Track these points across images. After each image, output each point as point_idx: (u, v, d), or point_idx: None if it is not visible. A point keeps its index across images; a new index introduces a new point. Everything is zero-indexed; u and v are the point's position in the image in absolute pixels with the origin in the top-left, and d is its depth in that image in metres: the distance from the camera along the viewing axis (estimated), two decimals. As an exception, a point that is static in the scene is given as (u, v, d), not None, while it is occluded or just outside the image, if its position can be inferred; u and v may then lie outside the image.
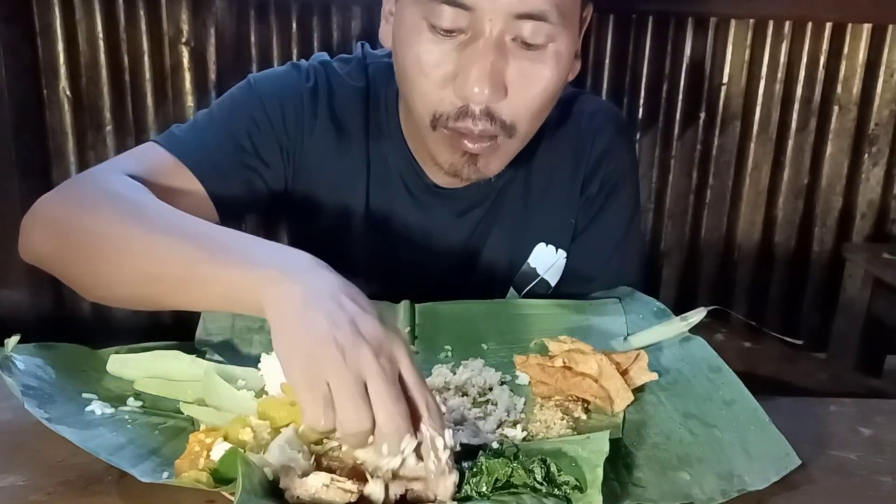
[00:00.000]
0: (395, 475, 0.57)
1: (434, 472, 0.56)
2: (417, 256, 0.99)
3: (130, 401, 0.71)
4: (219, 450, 0.59)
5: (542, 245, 1.02)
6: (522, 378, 0.77)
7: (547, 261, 1.02)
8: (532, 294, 1.02)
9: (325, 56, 1.02)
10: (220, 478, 0.58)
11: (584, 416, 0.72)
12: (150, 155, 0.90)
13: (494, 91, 0.79)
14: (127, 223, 0.73)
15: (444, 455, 0.56)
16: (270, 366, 0.71)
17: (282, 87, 0.96)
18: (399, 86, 0.90)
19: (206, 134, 0.92)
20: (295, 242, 0.91)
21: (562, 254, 1.02)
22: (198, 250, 0.67)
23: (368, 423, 0.55)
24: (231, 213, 0.90)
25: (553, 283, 1.03)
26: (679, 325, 0.82)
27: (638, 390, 0.74)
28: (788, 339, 0.87)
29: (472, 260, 1.01)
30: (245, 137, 0.93)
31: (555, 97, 0.87)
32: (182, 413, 0.70)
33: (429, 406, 0.57)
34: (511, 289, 1.03)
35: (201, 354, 0.78)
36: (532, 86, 0.82)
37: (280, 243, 0.68)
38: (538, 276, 1.02)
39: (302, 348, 0.57)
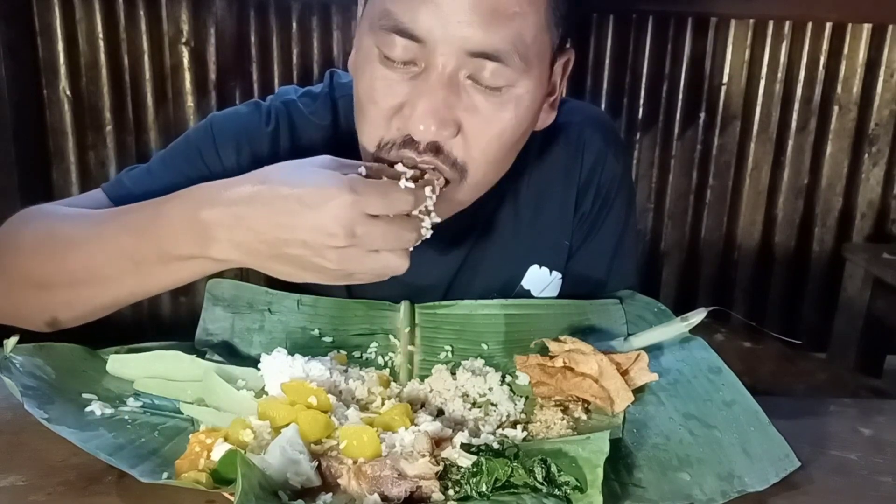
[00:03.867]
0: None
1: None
2: (403, 292, 0.93)
3: (130, 401, 0.71)
4: (219, 450, 0.59)
5: (535, 267, 0.99)
6: (523, 378, 0.77)
7: (541, 283, 0.99)
8: None
9: (290, 93, 0.97)
10: (220, 478, 0.58)
11: (584, 416, 0.72)
12: (94, 203, 0.87)
13: (441, 128, 0.74)
14: (57, 243, 0.77)
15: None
16: (270, 366, 0.71)
17: (240, 129, 0.92)
18: (355, 114, 0.84)
19: (155, 182, 0.88)
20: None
21: (556, 275, 0.99)
22: (131, 239, 0.73)
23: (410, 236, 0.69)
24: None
25: None
26: (679, 326, 0.82)
27: (638, 391, 0.74)
28: (788, 340, 0.86)
29: (461, 292, 0.97)
30: (196, 182, 0.88)
31: (515, 145, 0.82)
32: (182, 413, 0.70)
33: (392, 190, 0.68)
34: None
35: (201, 354, 0.78)
36: (487, 128, 0.77)
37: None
38: (532, 297, 1.00)
39: (313, 275, 0.68)
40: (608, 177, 0.99)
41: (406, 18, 0.73)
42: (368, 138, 0.80)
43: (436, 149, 0.76)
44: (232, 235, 0.68)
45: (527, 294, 0.99)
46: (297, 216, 0.65)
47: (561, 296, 1.01)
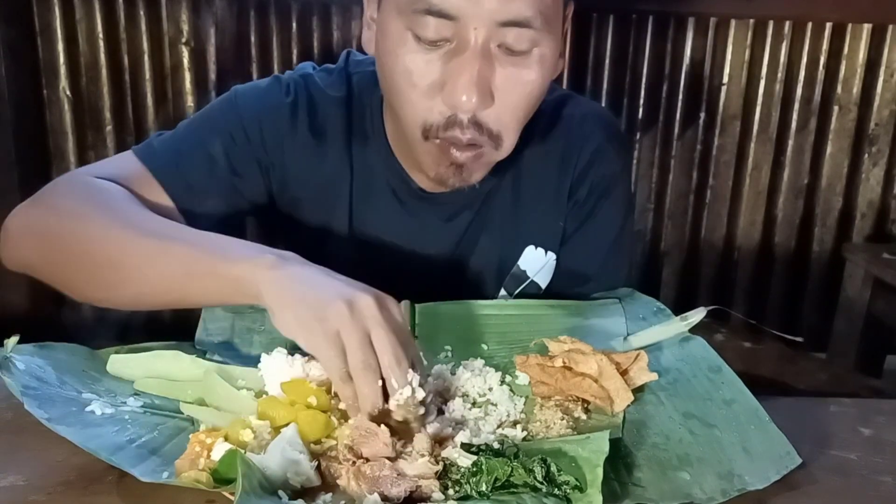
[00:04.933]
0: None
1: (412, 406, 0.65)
2: (406, 261, 0.99)
3: (131, 401, 0.71)
4: (219, 450, 0.59)
5: (531, 248, 1.01)
6: (523, 378, 0.77)
7: (536, 263, 1.01)
8: (523, 296, 1.02)
9: (307, 68, 1.02)
10: (220, 478, 0.58)
11: (584, 416, 0.72)
12: (126, 165, 0.90)
13: (482, 98, 0.80)
14: (121, 230, 0.78)
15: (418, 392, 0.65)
16: (270, 366, 0.71)
17: (262, 102, 0.96)
18: (385, 95, 0.89)
19: (183, 148, 0.92)
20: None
21: (551, 256, 1.02)
22: (192, 251, 0.75)
23: (375, 366, 0.64)
24: (204, 226, 0.86)
25: (543, 286, 1.02)
26: (679, 325, 0.82)
27: (638, 390, 0.74)
28: (789, 337, 0.86)
29: (461, 263, 1.01)
30: (221, 153, 0.93)
31: (539, 99, 0.87)
32: (182, 413, 0.70)
33: (413, 355, 0.68)
34: (502, 290, 1.03)
35: (201, 354, 0.78)
36: (517, 90, 0.82)
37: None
38: (528, 278, 1.02)
39: (311, 314, 0.66)
40: (607, 171, 1.01)
41: None
42: (412, 121, 0.85)
43: (477, 124, 0.82)
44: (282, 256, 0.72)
45: (523, 275, 1.01)
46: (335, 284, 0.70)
47: (554, 283, 1.03)
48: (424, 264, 0.99)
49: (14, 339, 0.71)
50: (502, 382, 0.77)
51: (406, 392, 0.64)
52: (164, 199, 0.89)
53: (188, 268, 0.74)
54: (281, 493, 0.57)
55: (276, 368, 0.71)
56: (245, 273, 0.70)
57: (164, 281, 0.75)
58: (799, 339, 0.86)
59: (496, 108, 0.82)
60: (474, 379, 0.77)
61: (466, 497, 0.58)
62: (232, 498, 0.54)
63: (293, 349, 0.76)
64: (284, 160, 0.96)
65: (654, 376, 0.74)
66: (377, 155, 0.97)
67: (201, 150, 0.92)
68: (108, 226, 0.79)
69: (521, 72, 0.81)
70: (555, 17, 0.82)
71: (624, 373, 0.74)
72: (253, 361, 0.74)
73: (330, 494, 0.58)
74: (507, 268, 1.02)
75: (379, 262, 0.97)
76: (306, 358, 0.72)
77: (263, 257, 0.71)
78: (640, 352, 0.76)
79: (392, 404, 0.64)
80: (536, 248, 1.01)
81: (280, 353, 0.72)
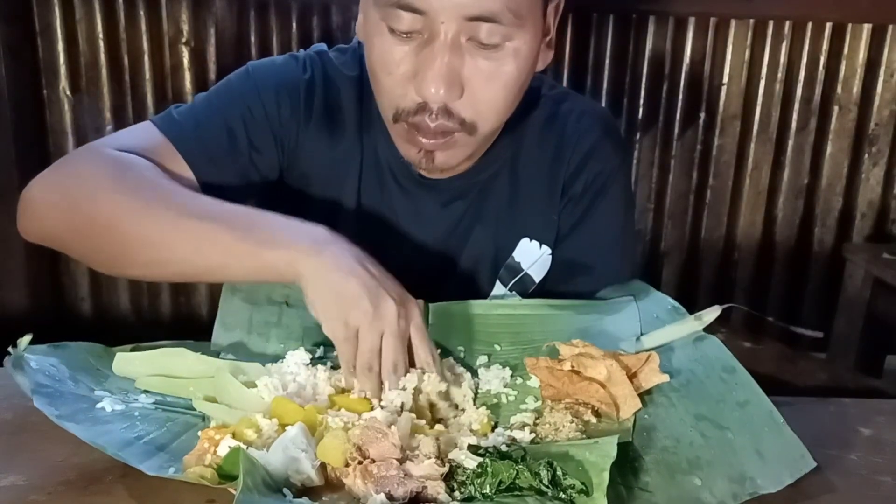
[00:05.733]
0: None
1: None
2: (405, 245, 1.01)
3: (143, 397, 0.71)
4: (225, 447, 0.59)
5: (525, 240, 1.02)
6: (534, 381, 0.77)
7: (531, 256, 1.02)
8: (521, 290, 1.03)
9: (322, 46, 1.03)
10: (225, 474, 0.58)
11: (594, 420, 0.71)
12: (146, 135, 0.92)
13: (450, 90, 0.82)
14: (158, 208, 0.80)
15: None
16: (284, 369, 0.74)
17: (279, 77, 0.98)
18: (370, 79, 0.92)
19: (202, 119, 0.94)
20: None
21: (545, 250, 1.02)
22: (231, 231, 0.78)
23: (377, 370, 0.72)
24: (221, 198, 0.87)
25: (538, 279, 1.03)
26: (693, 324, 0.80)
27: (648, 392, 0.73)
28: (809, 333, 0.85)
29: (457, 250, 1.02)
30: (240, 125, 0.94)
31: (520, 91, 0.88)
32: (194, 409, 0.70)
33: (426, 358, 0.75)
34: (497, 282, 1.03)
35: (214, 354, 0.78)
36: (492, 83, 0.84)
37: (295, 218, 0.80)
38: (522, 270, 1.03)
39: (339, 305, 0.73)
40: (603, 167, 1.01)
41: None
42: (387, 105, 0.88)
43: (447, 112, 0.84)
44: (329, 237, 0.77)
45: (517, 266, 1.02)
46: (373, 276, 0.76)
47: (553, 278, 1.03)
48: (423, 249, 1.01)
49: (27, 338, 0.71)
50: (511, 377, 0.78)
51: (393, 396, 0.71)
52: (185, 171, 0.90)
53: (230, 250, 0.77)
54: (285, 490, 0.57)
55: (289, 370, 0.73)
56: (286, 259, 0.75)
57: (204, 261, 0.78)
58: (819, 333, 0.84)
59: (469, 98, 0.84)
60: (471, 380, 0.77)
61: (470, 498, 0.58)
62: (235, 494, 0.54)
63: (313, 346, 0.78)
64: (298, 136, 0.98)
65: (666, 378, 0.73)
66: (382, 139, 0.98)
67: (220, 122, 0.94)
68: (144, 203, 0.80)
69: (494, 65, 0.83)
70: (529, 12, 0.83)
71: (634, 375, 0.73)
72: (270, 359, 0.75)
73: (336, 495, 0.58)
74: (502, 258, 1.03)
75: (379, 244, 0.97)
76: (310, 364, 0.74)
77: (303, 244, 0.76)
78: (651, 353, 0.74)
79: (380, 405, 0.71)
80: (531, 240, 1.02)
81: (296, 355, 0.74)
